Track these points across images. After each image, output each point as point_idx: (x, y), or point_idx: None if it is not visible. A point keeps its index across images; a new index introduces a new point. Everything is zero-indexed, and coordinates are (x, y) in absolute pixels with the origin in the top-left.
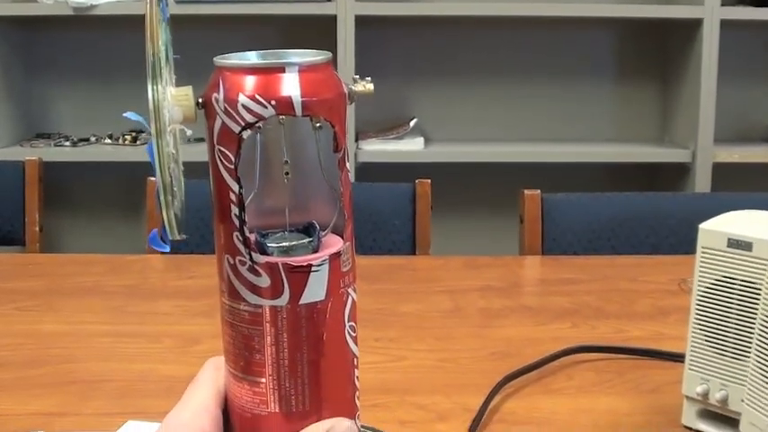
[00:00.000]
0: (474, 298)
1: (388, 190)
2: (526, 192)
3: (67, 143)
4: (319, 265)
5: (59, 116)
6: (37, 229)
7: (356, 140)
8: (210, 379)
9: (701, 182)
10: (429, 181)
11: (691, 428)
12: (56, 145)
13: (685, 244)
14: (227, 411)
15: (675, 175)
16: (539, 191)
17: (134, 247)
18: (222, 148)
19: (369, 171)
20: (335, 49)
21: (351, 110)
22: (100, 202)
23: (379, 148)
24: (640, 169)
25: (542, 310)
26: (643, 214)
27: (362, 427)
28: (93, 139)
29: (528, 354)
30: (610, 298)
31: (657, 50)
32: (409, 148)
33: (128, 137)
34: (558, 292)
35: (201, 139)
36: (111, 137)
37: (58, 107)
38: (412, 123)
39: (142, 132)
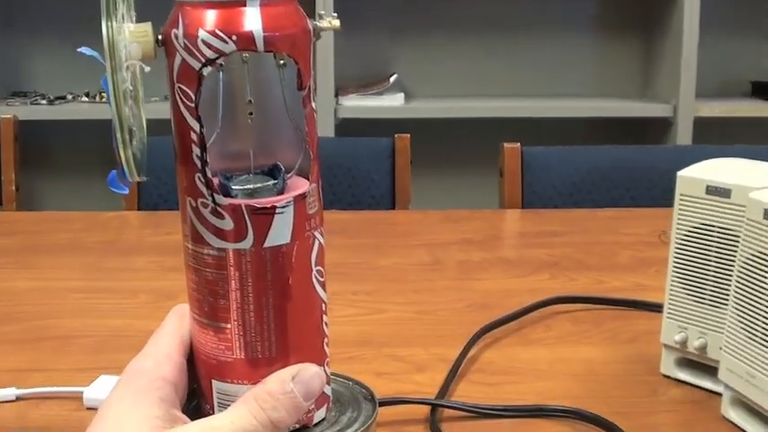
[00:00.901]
0: (453, 251)
1: (368, 145)
2: (506, 145)
3: (44, 101)
4: (284, 207)
5: (35, 74)
6: (13, 188)
7: (336, 96)
8: (175, 327)
9: (683, 137)
10: (408, 136)
11: (669, 377)
12: (32, 103)
13: (666, 196)
14: (192, 360)
15: (657, 129)
16: (518, 144)
17: (113, 205)
18: (182, 86)
19: (349, 127)
20: (314, 5)
21: (330, 65)
22: (78, 160)
23: (359, 104)
24: (622, 124)
25: (521, 262)
26: (624, 167)
27: (333, 374)
28: (69, 96)
29: (506, 305)
30: (590, 250)
31: (639, 5)
32: (389, 103)
33: (105, 94)
34: (537, 245)
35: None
36: (87, 94)
37: (34, 65)
38: (392, 79)
39: None
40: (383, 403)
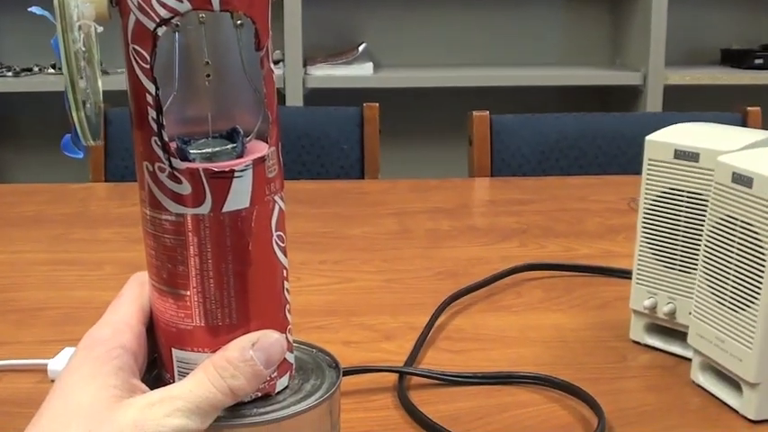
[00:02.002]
0: (422, 220)
1: (336, 114)
2: (475, 113)
3: (9, 73)
4: (242, 171)
5: (0, 46)
6: None
7: (304, 66)
8: (134, 295)
9: (653, 104)
10: (377, 105)
11: (638, 343)
12: None
13: (635, 164)
14: (152, 328)
15: (627, 97)
16: (487, 112)
17: (81, 177)
18: (137, 47)
19: (318, 97)
20: None
21: (298, 35)
22: (45, 132)
23: (327, 74)
24: (592, 92)
25: (490, 230)
26: (593, 135)
27: (296, 342)
28: (36, 68)
29: (476, 273)
30: (559, 217)
31: None
32: (358, 73)
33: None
34: (506, 213)
35: None
36: (54, 66)
37: None
38: (361, 48)
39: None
40: (350, 372)
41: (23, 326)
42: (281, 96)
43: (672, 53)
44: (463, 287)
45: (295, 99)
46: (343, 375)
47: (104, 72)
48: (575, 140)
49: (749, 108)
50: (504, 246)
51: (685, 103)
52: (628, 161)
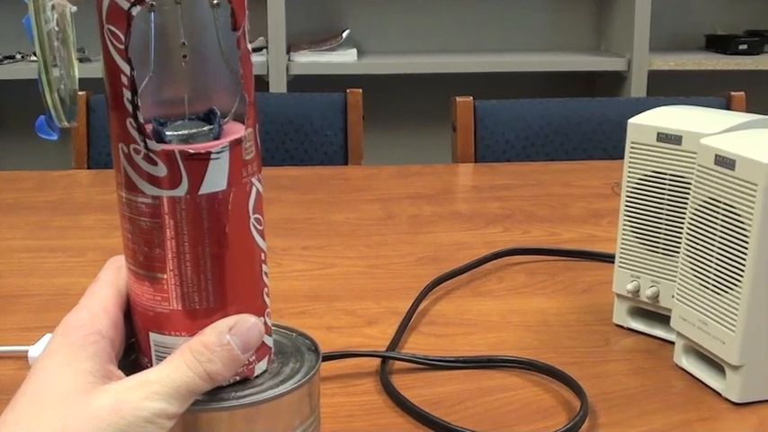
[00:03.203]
0: (405, 206)
1: (319, 100)
2: (458, 99)
3: None
4: (219, 153)
5: None
6: None
7: (288, 52)
8: (110, 279)
9: (637, 90)
10: (360, 90)
11: (622, 326)
12: None
13: (619, 149)
14: (129, 313)
15: (611, 83)
16: (471, 98)
17: (64, 164)
18: (111, 27)
19: (302, 83)
20: None
21: (282, 21)
22: (28, 120)
23: (311, 60)
24: (576, 78)
25: (474, 215)
26: (577, 120)
27: (276, 326)
28: (18, 56)
29: (459, 258)
30: (543, 203)
31: None
32: (342, 59)
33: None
34: (490, 198)
35: None
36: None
37: None
38: (345, 34)
39: None
40: (332, 357)
41: (4, 313)
42: (265, 83)
43: (656, 39)
44: (446, 272)
45: (279, 86)
46: (326, 360)
47: (87, 59)
48: (559, 126)
49: (733, 93)
50: (487, 231)
51: (670, 89)
52: (613, 146)
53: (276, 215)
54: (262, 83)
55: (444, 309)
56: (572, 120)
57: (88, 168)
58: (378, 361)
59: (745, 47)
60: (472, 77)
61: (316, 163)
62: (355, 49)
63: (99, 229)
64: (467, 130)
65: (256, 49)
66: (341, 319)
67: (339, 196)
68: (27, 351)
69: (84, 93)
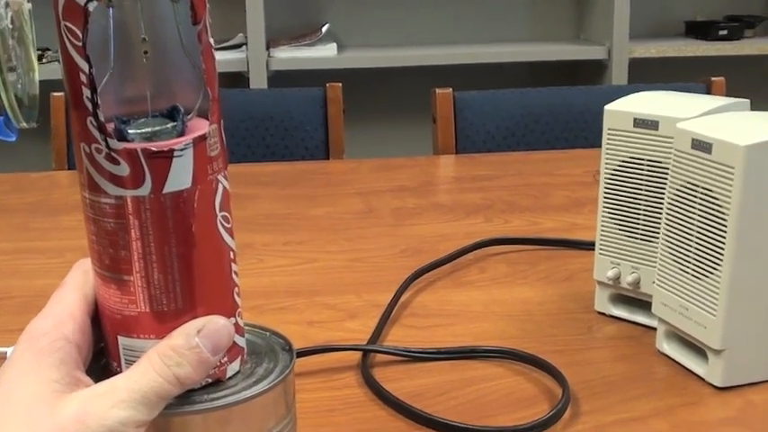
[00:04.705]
0: (387, 199)
1: (299, 95)
2: (438, 90)
3: None
4: (182, 150)
5: None
6: None
7: (267, 48)
8: (77, 283)
9: (618, 78)
10: (339, 84)
11: (604, 314)
12: None
13: (601, 137)
14: (98, 317)
15: (592, 72)
16: (450, 89)
17: (42, 166)
18: (68, 24)
19: (282, 79)
20: None
21: (260, 17)
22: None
23: (291, 56)
24: (557, 68)
25: (455, 207)
26: (558, 110)
27: (249, 325)
28: None
29: (440, 250)
30: (524, 192)
31: None
32: (322, 54)
33: (40, 52)
34: (471, 189)
35: None
36: None
37: None
38: (324, 29)
39: (49, 50)
40: (313, 352)
41: None
42: (245, 80)
43: (636, 26)
44: (427, 263)
45: (259, 82)
46: (306, 355)
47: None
48: (540, 116)
49: (713, 78)
50: (468, 222)
51: (651, 76)
52: (594, 135)
53: (256, 211)
54: (242, 80)
55: (426, 300)
56: (553, 109)
57: (69, 168)
58: (359, 355)
59: (725, 32)
60: (452, 69)
61: (297, 158)
62: (335, 44)
63: (79, 230)
64: (447, 121)
65: (235, 46)
66: (322, 314)
67: (319, 190)
68: (6, 353)
69: (63, 93)
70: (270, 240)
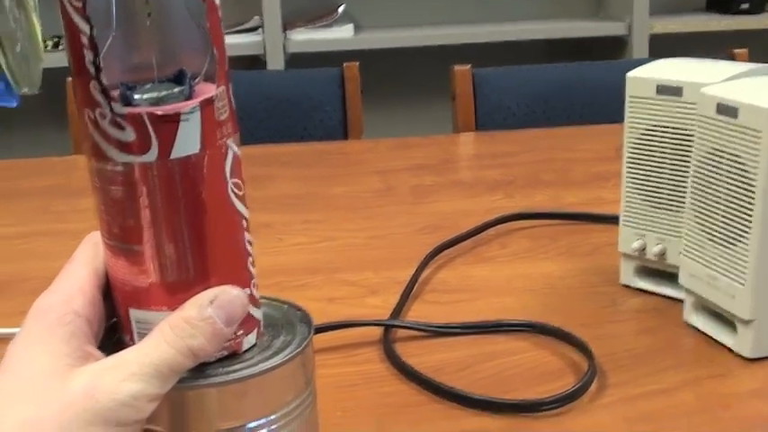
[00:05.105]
0: (406, 177)
1: (316, 75)
2: (456, 67)
3: None
4: (189, 113)
5: None
6: None
7: (284, 31)
8: (87, 257)
9: (639, 54)
10: (356, 64)
11: (629, 286)
12: None
13: (622, 112)
14: (109, 291)
15: (613, 48)
16: (469, 66)
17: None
18: None
19: (299, 61)
20: None
21: (276, 0)
22: (23, 110)
23: (308, 38)
24: (577, 45)
25: (476, 183)
26: (577, 85)
27: (266, 298)
28: None
29: (461, 226)
30: (545, 168)
31: None
32: (339, 35)
33: (49, 42)
34: (491, 166)
35: None
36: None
37: None
38: (340, 10)
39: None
40: (333, 327)
41: (2, 298)
42: (263, 63)
43: (656, 1)
44: (448, 239)
45: (276, 65)
46: (327, 330)
47: None
48: (560, 91)
49: (735, 50)
50: (489, 198)
51: (671, 52)
52: (616, 110)
53: (275, 191)
54: (259, 63)
55: (447, 276)
56: (573, 84)
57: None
58: (381, 330)
59: (746, 6)
60: (470, 48)
61: (315, 139)
62: (352, 25)
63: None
64: (466, 98)
65: (252, 29)
66: (342, 290)
67: (338, 170)
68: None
69: None
70: (289, 219)
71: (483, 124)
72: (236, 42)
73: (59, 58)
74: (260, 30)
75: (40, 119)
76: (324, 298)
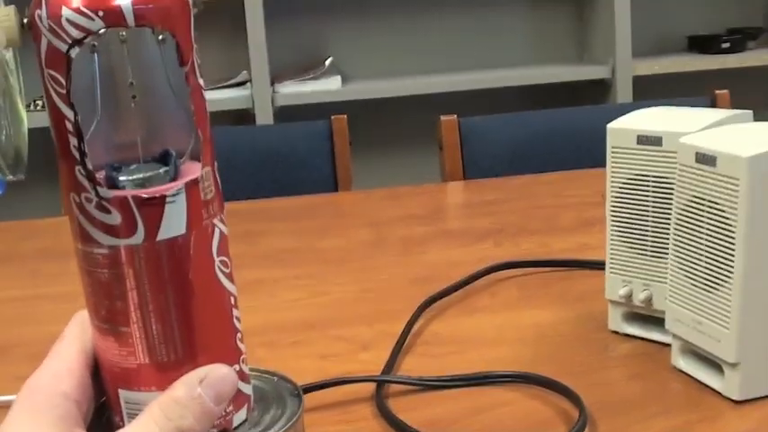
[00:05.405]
0: (396, 227)
1: (304, 129)
2: (442, 117)
3: None
4: (174, 195)
5: None
6: None
7: (272, 84)
8: (75, 336)
9: (623, 96)
10: (344, 116)
11: (618, 332)
12: None
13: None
14: (98, 370)
15: (596, 92)
16: (455, 116)
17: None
18: (52, 72)
19: (288, 114)
20: None
21: (263, 54)
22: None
23: (296, 90)
24: (561, 89)
25: (465, 232)
26: (563, 131)
27: (256, 370)
28: None
29: (452, 276)
30: (533, 215)
31: None
32: (327, 87)
33: (39, 102)
34: (480, 214)
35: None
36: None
37: None
38: (327, 62)
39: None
40: (326, 385)
41: None
42: (252, 117)
43: (638, 43)
44: (438, 291)
45: (265, 118)
46: (320, 389)
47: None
48: (546, 138)
49: (717, 92)
50: (479, 247)
51: (655, 93)
52: (601, 154)
53: (266, 246)
54: (248, 116)
55: (438, 328)
56: (558, 130)
57: None
58: (373, 386)
59: (727, 45)
60: (457, 96)
61: (305, 192)
62: (339, 76)
63: None
64: (453, 148)
65: (240, 83)
66: (335, 346)
67: (328, 222)
68: (11, 401)
69: None
70: (281, 275)
71: (471, 171)
72: (224, 97)
73: (42, 118)
74: (248, 84)
75: (29, 177)
76: (317, 355)
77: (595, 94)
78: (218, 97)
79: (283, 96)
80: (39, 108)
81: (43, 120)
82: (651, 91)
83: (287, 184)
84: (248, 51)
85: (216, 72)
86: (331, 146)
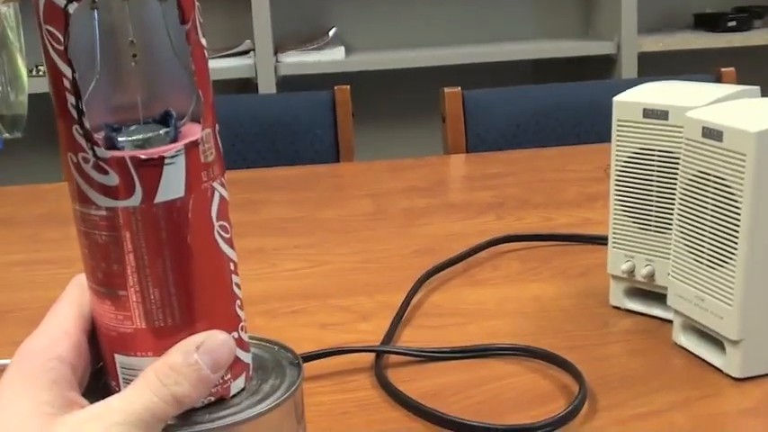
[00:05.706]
0: (397, 199)
1: (307, 99)
2: (446, 90)
3: None
4: (173, 157)
5: None
6: None
7: (275, 54)
8: (73, 300)
9: (628, 73)
10: (348, 87)
11: (619, 308)
12: None
13: (611, 132)
14: (95, 335)
15: (601, 68)
16: (459, 88)
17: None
18: (49, 28)
19: (291, 84)
20: None
21: (267, 23)
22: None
23: (299, 60)
24: (566, 64)
25: (467, 205)
26: (567, 105)
27: (256, 339)
28: None
29: (453, 249)
30: (536, 189)
31: None
32: (330, 57)
33: (41, 68)
34: (482, 188)
35: None
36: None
37: None
38: (331, 33)
39: None
40: (325, 355)
41: None
42: (254, 86)
43: (644, 20)
44: (440, 262)
45: (268, 88)
46: (319, 358)
47: None
48: (550, 112)
49: (723, 69)
50: (481, 220)
51: (660, 70)
52: (605, 130)
53: (267, 215)
54: (251, 86)
55: (439, 300)
56: (562, 105)
57: None
58: (372, 356)
59: (733, 23)
60: (461, 69)
61: (307, 162)
62: (343, 47)
63: None
64: (456, 120)
65: (243, 52)
66: (335, 316)
67: (330, 193)
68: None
69: None
70: (281, 244)
71: (473, 145)
72: (227, 66)
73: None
74: (251, 53)
75: (30, 143)
76: (317, 324)
77: (600, 70)
78: (221, 66)
79: (286, 66)
80: (41, 74)
81: (46, 86)
82: (656, 68)
83: (289, 154)
84: (251, 20)
85: (219, 41)
86: (333, 116)
